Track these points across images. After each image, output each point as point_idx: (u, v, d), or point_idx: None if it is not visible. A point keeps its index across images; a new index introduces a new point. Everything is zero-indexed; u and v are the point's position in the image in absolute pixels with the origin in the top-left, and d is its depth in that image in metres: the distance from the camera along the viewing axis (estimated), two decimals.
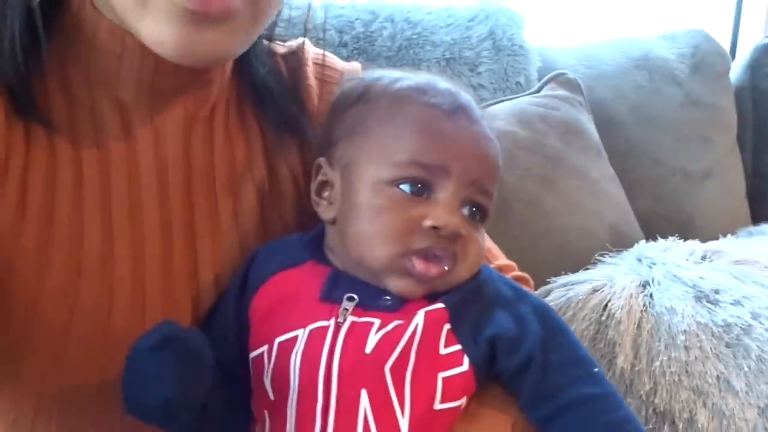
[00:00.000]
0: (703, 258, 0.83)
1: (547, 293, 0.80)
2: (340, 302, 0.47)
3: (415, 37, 1.21)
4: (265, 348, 0.48)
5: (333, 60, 0.64)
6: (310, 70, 0.61)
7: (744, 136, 1.30)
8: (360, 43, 1.19)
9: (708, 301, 0.74)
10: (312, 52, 0.62)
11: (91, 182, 0.47)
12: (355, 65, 0.66)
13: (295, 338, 0.46)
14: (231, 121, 0.55)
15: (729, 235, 1.02)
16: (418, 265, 0.46)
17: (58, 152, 0.46)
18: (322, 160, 0.52)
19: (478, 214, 0.49)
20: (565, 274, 0.86)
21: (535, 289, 0.84)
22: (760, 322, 0.71)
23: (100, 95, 0.48)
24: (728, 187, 1.23)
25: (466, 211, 0.48)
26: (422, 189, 0.47)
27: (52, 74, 0.47)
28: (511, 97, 1.11)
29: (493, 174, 0.50)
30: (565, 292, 0.79)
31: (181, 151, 0.51)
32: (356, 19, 1.21)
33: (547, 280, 0.84)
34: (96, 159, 0.48)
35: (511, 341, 0.47)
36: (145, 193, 0.49)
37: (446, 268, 0.47)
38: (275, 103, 0.56)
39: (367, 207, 0.47)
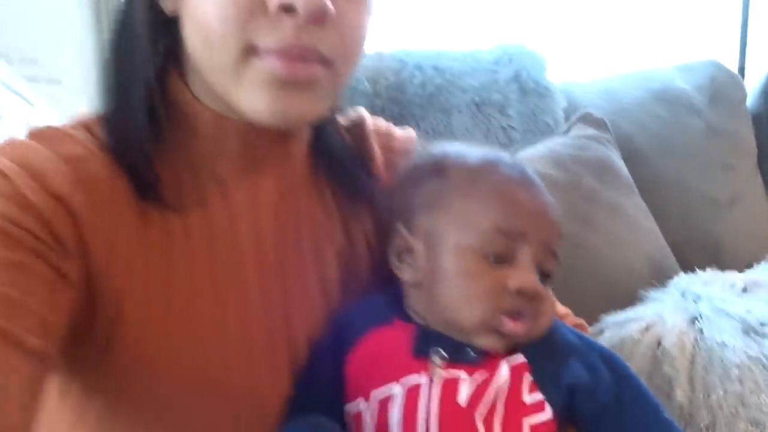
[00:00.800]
0: (744, 290, 0.88)
1: (601, 332, 0.85)
2: (430, 357, 0.51)
3: (444, 83, 1.26)
4: (361, 401, 0.52)
5: (391, 128, 0.69)
6: (374, 140, 0.66)
7: (764, 162, 1.34)
8: (392, 92, 1.24)
9: (756, 334, 0.78)
10: (371, 121, 0.67)
11: (200, 252, 0.52)
12: (410, 132, 0.71)
13: (392, 392, 0.51)
14: (310, 190, 0.60)
15: (763, 263, 1.06)
16: (507, 324, 0.50)
17: (170, 227, 0.51)
18: (400, 226, 0.56)
19: (548, 278, 0.53)
20: (614, 310, 0.90)
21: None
22: None
23: (202, 173, 0.53)
24: (753, 211, 1.28)
25: (541, 274, 0.52)
26: (505, 254, 0.51)
27: (159, 157, 0.52)
28: (542, 139, 1.16)
29: (559, 236, 0.55)
30: (618, 330, 0.83)
31: (273, 219, 0.56)
32: (386, 68, 1.27)
33: (598, 317, 0.88)
34: (202, 231, 0.53)
35: (586, 389, 0.51)
36: (246, 259, 0.54)
37: (531, 324, 0.51)
38: (346, 172, 0.61)
39: (455, 273, 0.52)
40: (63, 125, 0.51)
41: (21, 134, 0.50)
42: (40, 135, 0.49)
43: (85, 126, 0.52)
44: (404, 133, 0.69)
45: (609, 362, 0.54)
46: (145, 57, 0.50)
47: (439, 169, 0.57)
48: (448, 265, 0.52)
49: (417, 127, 1.24)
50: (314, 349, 0.56)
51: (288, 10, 0.44)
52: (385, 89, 1.23)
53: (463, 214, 0.53)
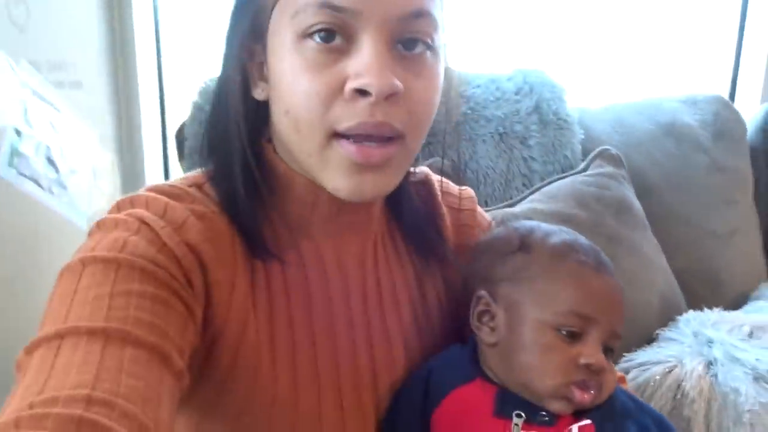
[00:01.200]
0: (750, 335, 0.97)
1: (626, 372, 0.93)
2: (510, 418, 0.58)
3: (469, 112, 1.31)
4: None
5: (451, 186, 0.74)
6: (440, 200, 0.71)
7: (759, 195, 1.44)
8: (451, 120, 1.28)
9: (765, 382, 0.87)
10: (435, 179, 0.72)
11: (297, 306, 0.57)
12: (468, 191, 0.76)
13: None
14: (388, 251, 0.65)
15: (761, 301, 1.16)
16: (578, 394, 0.58)
17: (272, 282, 0.57)
18: (483, 293, 0.63)
19: (612, 353, 0.61)
20: (633, 348, 0.98)
21: None
22: None
23: (297, 233, 0.59)
24: (749, 245, 1.37)
25: (606, 349, 0.60)
26: (577, 333, 0.59)
27: (263, 218, 0.57)
28: (564, 175, 1.22)
29: (622, 321, 0.61)
30: (641, 372, 0.91)
31: (359, 275, 0.62)
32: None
33: (624, 355, 0.97)
34: (299, 285, 0.58)
35: None
36: (336, 311, 0.60)
37: (596, 394, 0.59)
38: (420, 233, 0.67)
39: (532, 343, 0.59)
40: (179, 184, 0.56)
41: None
42: (167, 192, 0.54)
43: (197, 185, 0.57)
44: (464, 192, 0.74)
45: (659, 425, 0.62)
46: (241, 136, 0.55)
47: (525, 245, 0.64)
48: (527, 336, 0.60)
49: (445, 155, 1.29)
50: (400, 402, 0.62)
51: (362, 93, 0.49)
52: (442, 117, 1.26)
53: (544, 292, 0.60)
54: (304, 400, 0.56)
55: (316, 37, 0.49)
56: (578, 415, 0.59)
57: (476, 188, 1.27)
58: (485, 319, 0.63)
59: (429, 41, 0.52)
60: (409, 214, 0.66)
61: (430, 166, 0.76)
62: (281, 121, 0.53)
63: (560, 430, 0.58)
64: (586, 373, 0.58)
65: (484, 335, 0.63)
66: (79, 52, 1.38)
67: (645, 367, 0.92)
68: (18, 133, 1.25)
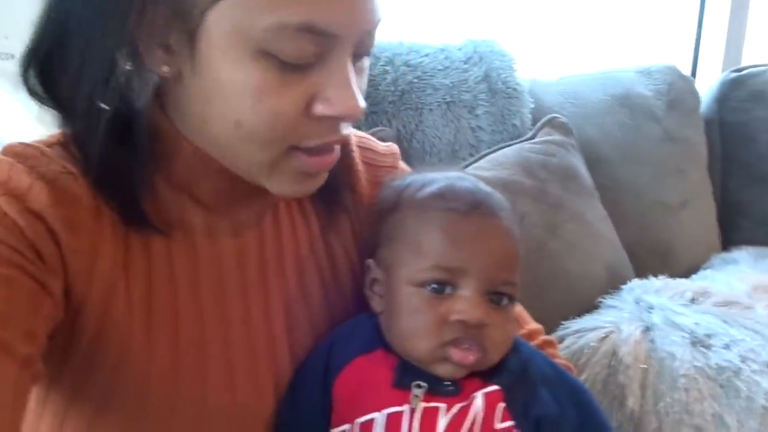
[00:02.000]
0: (692, 300, 0.94)
1: (561, 339, 0.90)
2: (410, 388, 0.54)
3: (415, 80, 1.27)
4: (347, 427, 0.55)
5: (374, 143, 0.70)
6: (356, 155, 0.67)
7: (713, 167, 1.42)
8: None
9: (702, 346, 0.85)
10: (354, 134, 0.68)
11: (182, 272, 0.53)
12: (392, 147, 0.72)
13: (373, 420, 0.54)
14: (292, 207, 0.61)
15: (708, 270, 1.14)
16: (455, 354, 0.53)
17: (152, 247, 0.52)
18: (370, 261, 0.60)
19: (505, 298, 0.55)
20: (572, 317, 0.96)
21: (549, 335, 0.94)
22: (747, 365, 0.82)
23: (183, 197, 0.54)
24: (701, 216, 1.36)
25: (493, 298, 0.55)
26: (445, 288, 0.54)
27: (139, 179, 0.51)
28: (511, 143, 1.19)
29: (511, 265, 0.56)
30: (577, 339, 0.88)
31: (256, 239, 0.58)
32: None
33: (560, 323, 0.94)
34: (185, 252, 0.54)
35: (553, 421, 0.55)
36: (228, 279, 0.56)
37: (480, 353, 0.54)
38: (328, 187, 0.62)
39: (404, 306, 0.55)
40: (39, 143, 0.50)
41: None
42: (17, 153, 0.49)
43: (62, 144, 0.51)
44: (386, 148, 0.70)
45: (578, 398, 0.58)
46: (105, 96, 0.47)
47: (396, 202, 0.59)
48: (398, 299, 0.56)
49: (389, 124, 1.25)
50: (301, 371, 0.58)
51: (332, 118, 0.48)
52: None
53: (410, 249, 0.56)
54: (186, 373, 0.52)
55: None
56: (488, 379, 0.55)
57: (422, 158, 1.23)
58: (375, 287, 0.59)
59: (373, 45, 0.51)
60: None
61: (373, 135, 0.72)
62: (222, 128, 0.48)
63: (468, 398, 0.54)
64: (461, 329, 0.53)
65: (375, 304, 0.59)
66: (11, 20, 1.32)
67: (580, 334, 0.89)
68: None
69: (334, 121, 0.48)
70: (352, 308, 0.62)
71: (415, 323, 0.54)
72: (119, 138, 0.48)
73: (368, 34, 0.49)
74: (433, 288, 0.54)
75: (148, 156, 0.50)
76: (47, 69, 0.50)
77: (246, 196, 0.56)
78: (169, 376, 0.51)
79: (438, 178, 0.60)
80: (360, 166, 0.66)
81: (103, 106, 0.47)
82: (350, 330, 0.60)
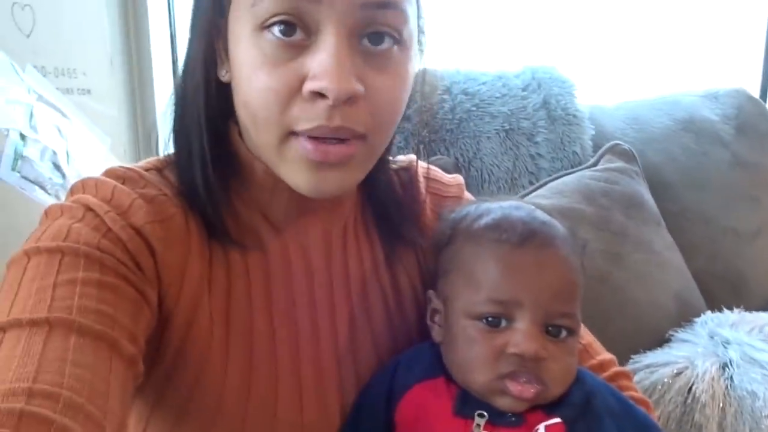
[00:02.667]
0: None
1: (633, 375, 0.86)
2: (472, 418, 0.53)
3: (473, 108, 1.27)
4: None
5: (440, 173, 0.71)
6: (422, 186, 0.67)
7: None
8: (422, 116, 1.25)
9: None
10: (421, 165, 0.68)
11: (257, 289, 0.55)
12: (458, 178, 0.72)
13: None
14: (359, 234, 0.62)
15: None
16: (513, 387, 0.52)
17: (231, 265, 0.55)
18: (431, 292, 0.60)
19: (563, 330, 0.54)
20: (642, 349, 0.92)
21: None
22: None
23: (258, 217, 0.56)
24: None
25: (551, 330, 0.53)
26: (501, 321, 0.53)
27: (223, 200, 0.55)
28: (572, 171, 1.17)
29: (568, 297, 0.54)
30: (649, 374, 0.85)
31: (323, 260, 0.59)
32: (416, 92, 1.27)
33: (628, 356, 0.90)
34: (260, 269, 0.56)
35: None
36: (298, 296, 0.57)
37: (539, 387, 0.52)
38: (393, 217, 0.64)
39: (461, 337, 0.55)
40: (138, 167, 0.55)
41: (95, 172, 0.54)
42: (119, 175, 0.53)
43: (157, 169, 0.56)
44: (452, 180, 0.71)
45: (643, 430, 0.56)
46: (202, 117, 0.53)
47: (452, 234, 0.59)
48: (456, 331, 0.55)
49: (447, 152, 1.25)
50: (365, 394, 0.58)
51: (320, 95, 0.47)
52: (414, 113, 1.24)
53: (465, 281, 0.56)
54: (258, 387, 0.54)
55: (275, 30, 0.47)
56: (550, 411, 0.53)
57: (480, 186, 1.23)
58: (436, 318, 0.59)
59: (396, 35, 0.49)
60: (384, 199, 0.64)
61: (431, 163, 0.72)
62: (240, 111, 0.52)
63: (529, 429, 0.52)
64: (517, 362, 0.52)
65: (435, 334, 0.59)
66: (87, 58, 1.40)
67: (652, 369, 0.85)
68: (22, 137, 1.26)
69: (324, 101, 0.47)
70: (416, 336, 0.63)
71: (471, 355, 0.53)
72: (212, 161, 0.53)
73: (370, 11, 0.47)
74: (489, 320, 0.53)
75: (231, 176, 0.54)
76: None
77: (313, 214, 0.58)
78: (242, 391, 0.53)
79: (494, 208, 0.59)
80: (426, 197, 0.67)
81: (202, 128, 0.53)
82: (414, 356, 0.60)
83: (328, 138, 0.48)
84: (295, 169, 0.50)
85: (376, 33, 0.48)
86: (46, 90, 1.34)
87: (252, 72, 0.48)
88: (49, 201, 1.29)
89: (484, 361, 0.53)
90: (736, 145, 1.31)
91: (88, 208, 0.49)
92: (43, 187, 1.30)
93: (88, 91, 1.42)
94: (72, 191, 0.53)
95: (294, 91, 0.47)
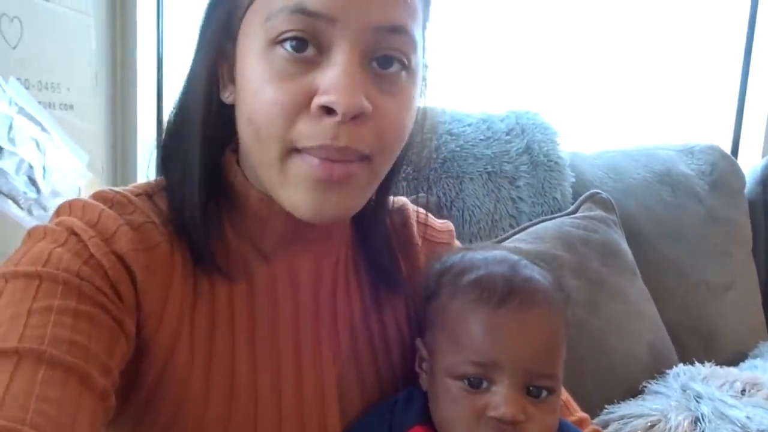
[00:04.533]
0: (743, 392, 0.90)
1: (606, 425, 0.86)
2: None
3: (457, 149, 1.28)
4: None
5: (431, 219, 0.70)
6: (415, 230, 0.67)
7: (758, 250, 1.39)
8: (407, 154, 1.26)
9: None
10: (412, 209, 0.69)
11: (241, 320, 0.54)
12: (448, 224, 0.72)
13: None
14: (349, 272, 0.62)
15: (758, 359, 1.09)
16: None
17: (216, 294, 0.54)
18: (419, 340, 0.60)
19: (544, 391, 0.53)
20: (616, 400, 0.92)
21: (592, 419, 0.90)
22: None
23: (249, 246, 0.56)
24: (746, 300, 1.32)
25: (531, 390, 0.53)
26: (480, 383, 0.53)
27: (213, 229, 0.54)
28: (552, 217, 1.18)
29: (547, 357, 0.54)
30: (622, 426, 0.85)
31: (312, 293, 0.58)
32: (416, 127, 1.27)
33: (600, 406, 0.90)
34: (245, 300, 0.55)
35: None
36: (282, 328, 0.56)
37: None
38: (382, 266, 0.63)
39: (443, 395, 0.55)
40: (127, 191, 0.54)
41: (71, 188, 0.53)
42: (107, 199, 0.52)
43: (147, 194, 0.55)
44: (443, 225, 0.71)
45: None
46: (199, 141, 0.53)
47: (436, 289, 0.59)
48: (438, 387, 0.55)
49: (429, 191, 1.26)
50: (366, 423, 0.57)
51: (328, 111, 0.47)
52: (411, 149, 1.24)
53: (447, 338, 0.56)
54: (238, 418, 0.53)
55: (287, 45, 0.47)
56: None
57: (461, 227, 1.23)
58: (423, 365, 0.59)
59: (405, 61, 0.49)
60: (372, 241, 0.63)
61: (414, 201, 0.72)
62: (243, 129, 0.51)
63: None
64: (496, 426, 0.51)
65: (422, 382, 0.59)
66: (72, 74, 1.38)
67: (626, 421, 0.85)
68: None
69: (331, 119, 0.46)
70: (401, 381, 0.62)
71: (453, 414, 0.53)
72: (207, 186, 0.53)
73: (382, 34, 0.48)
74: (470, 381, 0.53)
75: (224, 204, 0.54)
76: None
77: (304, 246, 0.57)
78: (221, 423, 0.52)
79: (477, 261, 0.58)
80: (418, 241, 0.67)
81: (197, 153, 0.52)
82: (411, 396, 0.59)
83: (331, 159, 0.48)
84: (297, 188, 0.49)
85: (386, 56, 0.49)
86: (28, 103, 1.32)
87: (260, 86, 0.48)
88: (21, 215, 1.26)
89: (464, 421, 0.53)
90: (710, 200, 1.35)
91: (72, 232, 0.49)
92: (16, 201, 1.27)
93: (71, 107, 1.40)
94: (58, 212, 0.52)
95: (301, 107, 0.47)
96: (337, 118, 0.46)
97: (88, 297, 0.46)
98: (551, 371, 0.53)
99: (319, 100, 0.46)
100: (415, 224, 0.67)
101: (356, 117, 0.47)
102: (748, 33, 1.79)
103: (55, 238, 0.48)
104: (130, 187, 0.56)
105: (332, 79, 0.46)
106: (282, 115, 0.47)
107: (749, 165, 1.55)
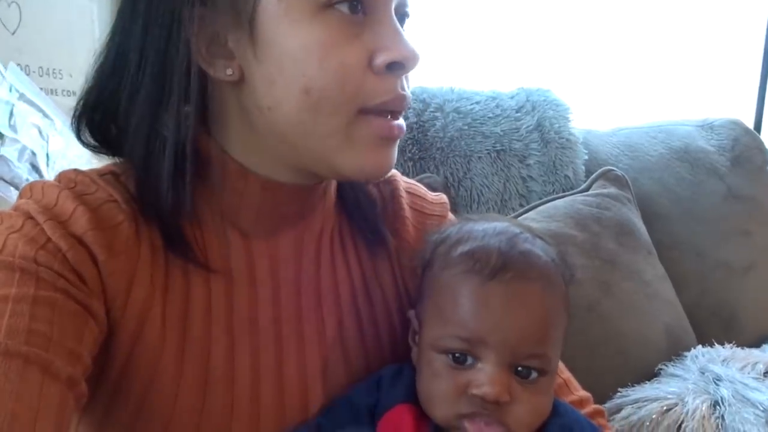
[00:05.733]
0: (766, 374, 0.86)
1: (619, 409, 0.82)
2: None
3: (465, 128, 1.24)
4: None
5: (423, 190, 0.68)
6: (404, 201, 0.64)
7: None
8: (413, 133, 1.22)
9: None
10: (403, 181, 0.66)
11: (218, 300, 0.52)
12: (442, 197, 0.69)
13: None
14: (334, 246, 0.59)
15: None
16: (471, 428, 0.49)
17: (191, 273, 0.51)
18: (411, 312, 0.57)
19: (533, 372, 0.50)
20: (630, 383, 0.88)
21: (604, 402, 0.87)
22: None
23: (225, 224, 0.53)
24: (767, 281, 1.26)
25: (520, 370, 0.49)
26: (465, 358, 0.50)
27: (185, 209, 0.51)
28: (563, 195, 1.14)
29: (537, 336, 0.50)
30: (636, 410, 0.81)
31: (293, 270, 0.55)
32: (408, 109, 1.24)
33: (614, 389, 0.86)
34: (222, 279, 0.52)
35: None
36: (262, 308, 0.53)
37: (501, 429, 0.49)
38: (370, 228, 0.61)
39: (426, 369, 0.52)
40: (93, 171, 0.52)
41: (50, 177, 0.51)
42: (69, 179, 0.50)
43: (114, 174, 0.52)
44: (436, 198, 0.68)
45: None
46: (181, 118, 0.49)
47: (430, 259, 0.56)
48: (424, 360, 0.52)
49: (436, 171, 1.22)
50: (340, 411, 0.54)
51: (394, 68, 0.48)
52: (406, 129, 1.21)
53: (436, 311, 0.53)
54: (213, 405, 0.50)
55: (344, 8, 0.46)
56: None
57: (469, 207, 1.19)
58: (416, 338, 0.56)
59: None
60: (362, 209, 0.61)
61: (420, 181, 0.70)
62: (292, 103, 0.47)
63: None
64: (478, 404, 0.48)
65: (413, 355, 0.56)
66: (74, 60, 1.37)
67: (640, 404, 0.81)
68: (1, 136, 1.22)
69: (395, 74, 0.48)
70: (389, 356, 0.59)
71: (434, 389, 0.51)
72: (174, 165, 0.49)
73: None
74: (455, 356, 0.50)
75: (196, 182, 0.51)
76: (102, 114, 0.52)
77: (284, 221, 0.55)
78: (195, 408, 0.50)
79: (475, 233, 0.55)
80: (407, 212, 0.64)
81: (165, 132, 0.49)
82: (397, 372, 0.56)
83: (395, 111, 0.49)
84: (364, 150, 0.49)
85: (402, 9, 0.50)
86: (29, 89, 1.30)
87: (321, 53, 0.46)
88: None
89: (445, 397, 0.50)
90: (731, 177, 1.29)
91: (29, 216, 0.47)
92: (18, 189, 1.26)
93: (74, 93, 1.38)
94: (21, 194, 0.50)
95: (365, 68, 0.47)
96: (400, 72, 0.48)
97: (48, 283, 0.44)
98: (541, 350, 0.50)
99: (387, 57, 0.47)
100: (405, 195, 0.64)
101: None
102: None
103: (11, 224, 0.46)
104: (99, 166, 0.53)
105: (393, 36, 0.47)
106: (351, 78, 0.46)
107: None
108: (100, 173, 0.52)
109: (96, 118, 0.52)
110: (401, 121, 0.50)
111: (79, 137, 0.53)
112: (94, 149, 0.54)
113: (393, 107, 0.49)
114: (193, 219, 0.51)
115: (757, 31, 1.71)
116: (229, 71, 0.48)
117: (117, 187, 0.50)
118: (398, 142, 0.51)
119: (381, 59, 0.47)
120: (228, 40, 0.48)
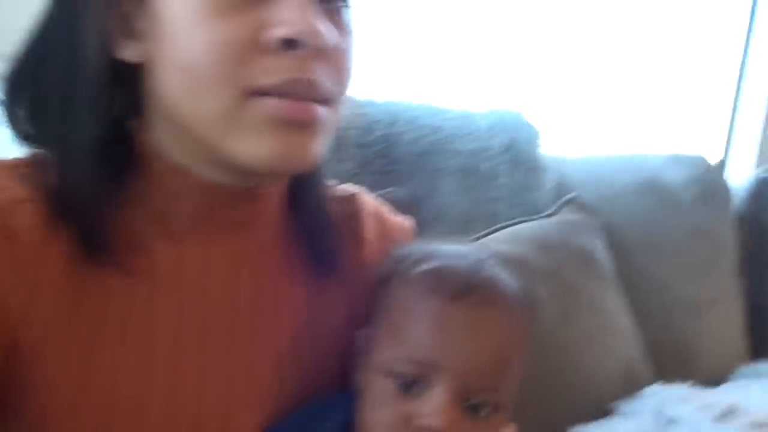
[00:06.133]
0: (723, 416, 0.83)
1: None
2: None
3: (436, 142, 1.21)
4: None
5: (389, 215, 0.64)
6: (370, 224, 0.61)
7: (743, 267, 1.33)
8: (382, 145, 1.18)
9: None
10: (367, 203, 0.62)
11: (138, 313, 0.46)
12: (408, 222, 0.66)
13: None
14: (282, 266, 0.54)
15: (739, 381, 1.02)
16: None
17: (109, 287, 0.46)
18: (360, 333, 0.53)
19: (486, 408, 0.47)
20: (584, 420, 0.85)
21: None
22: None
23: (156, 230, 0.48)
24: (729, 319, 1.25)
25: (471, 405, 0.46)
26: (413, 386, 0.46)
27: (109, 211, 0.46)
28: (529, 218, 1.11)
29: (495, 366, 0.47)
30: None
31: (228, 289, 0.50)
32: (378, 118, 1.20)
33: (569, 427, 0.82)
34: (145, 294, 0.47)
35: None
36: (187, 322, 0.48)
37: None
38: (322, 243, 0.56)
39: (369, 395, 0.48)
40: (6, 163, 0.46)
41: None
42: None
43: (33, 165, 0.46)
44: (402, 223, 0.65)
45: None
46: (97, 108, 0.44)
47: (387, 278, 0.52)
48: (368, 384, 0.49)
49: (403, 186, 1.18)
50: (323, 411, 0.51)
51: (290, 45, 0.42)
52: (375, 141, 1.18)
53: (389, 331, 0.49)
54: None
55: None
56: None
57: (434, 224, 1.16)
58: (361, 360, 0.52)
59: None
60: (314, 223, 0.56)
61: (384, 195, 0.66)
62: (173, 82, 0.44)
63: None
64: None
65: (356, 382, 0.51)
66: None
67: None
68: None
69: (293, 53, 0.42)
70: (329, 385, 0.54)
71: (376, 418, 0.47)
72: (97, 162, 0.44)
73: None
74: (401, 383, 0.46)
75: (123, 180, 0.46)
76: (22, 100, 0.46)
77: (220, 226, 0.50)
78: None
79: (441, 252, 0.52)
80: (372, 237, 0.60)
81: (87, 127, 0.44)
82: (336, 401, 0.52)
83: (300, 96, 0.43)
84: (256, 135, 0.43)
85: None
86: None
87: (194, 24, 0.41)
88: None
89: (387, 428, 0.46)
90: (697, 213, 1.28)
91: None
92: None
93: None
94: None
95: (252, 44, 0.42)
96: (300, 52, 0.42)
97: None
98: (496, 383, 0.47)
99: (279, 32, 0.41)
100: (370, 219, 0.60)
101: (319, 52, 0.42)
102: (745, 46, 1.74)
103: None
104: (15, 158, 0.47)
105: (292, 9, 0.41)
106: (232, 55, 0.41)
107: (738, 179, 1.49)
108: (16, 165, 0.46)
109: (18, 103, 0.47)
110: (314, 108, 0.44)
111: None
112: (23, 138, 0.48)
113: (290, 90, 0.42)
114: (119, 224, 0.46)
115: (730, 68, 1.74)
116: (131, 51, 0.44)
117: (33, 184, 0.45)
118: (318, 128, 0.45)
119: (269, 34, 0.42)
120: (136, 19, 0.44)
